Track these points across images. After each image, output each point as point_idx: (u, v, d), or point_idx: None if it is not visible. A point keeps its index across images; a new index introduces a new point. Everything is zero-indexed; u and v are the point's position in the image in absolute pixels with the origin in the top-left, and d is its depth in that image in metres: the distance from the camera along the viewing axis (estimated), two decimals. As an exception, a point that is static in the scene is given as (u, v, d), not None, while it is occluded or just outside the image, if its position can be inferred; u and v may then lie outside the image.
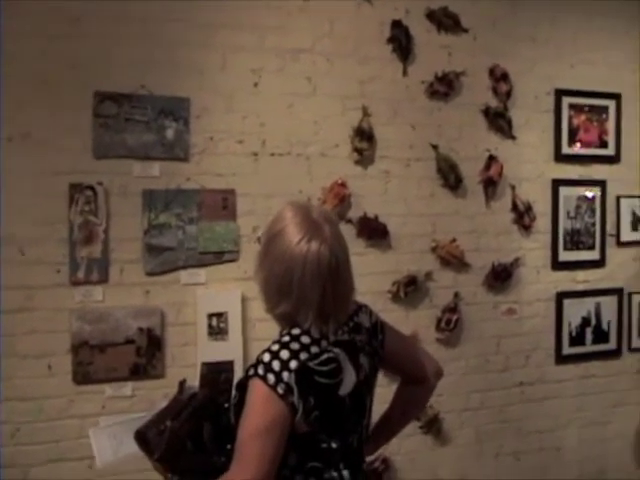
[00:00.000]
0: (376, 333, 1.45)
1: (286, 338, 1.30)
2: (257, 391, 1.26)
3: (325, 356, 1.31)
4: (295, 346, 1.29)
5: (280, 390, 1.25)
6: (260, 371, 1.26)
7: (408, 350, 1.56)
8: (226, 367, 2.22)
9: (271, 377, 1.25)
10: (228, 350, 2.21)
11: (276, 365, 1.26)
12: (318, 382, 1.29)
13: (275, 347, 1.29)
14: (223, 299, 2.25)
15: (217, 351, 2.20)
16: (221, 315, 2.24)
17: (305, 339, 1.30)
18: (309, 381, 1.28)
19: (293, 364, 1.27)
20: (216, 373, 2.22)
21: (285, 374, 1.26)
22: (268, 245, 1.33)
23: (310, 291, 1.28)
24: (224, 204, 2.27)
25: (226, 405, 1.40)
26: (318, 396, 1.29)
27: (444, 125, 2.58)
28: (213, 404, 1.46)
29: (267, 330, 1.51)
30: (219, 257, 2.26)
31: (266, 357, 1.28)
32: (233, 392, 1.37)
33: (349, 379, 1.35)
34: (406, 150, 2.52)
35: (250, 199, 2.31)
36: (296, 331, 1.31)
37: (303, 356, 1.28)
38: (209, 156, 2.26)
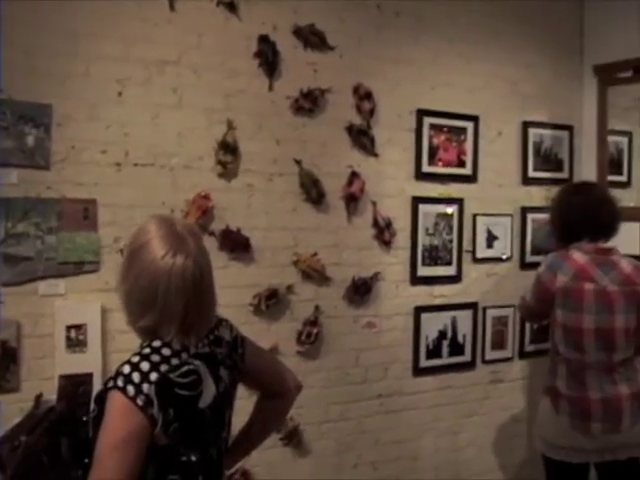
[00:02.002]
0: (236, 347, 1.77)
1: (147, 350, 1.56)
2: (116, 403, 1.48)
3: (185, 368, 1.57)
4: (155, 358, 1.54)
5: (140, 402, 1.48)
6: (120, 383, 1.49)
7: (268, 364, 1.94)
8: (85, 380, 2.73)
9: (131, 389, 1.48)
10: (87, 362, 2.74)
11: (136, 377, 1.50)
12: (178, 394, 1.54)
13: (135, 359, 1.54)
14: (82, 311, 2.75)
15: (76, 363, 2.71)
16: (80, 327, 2.75)
17: (166, 351, 1.57)
18: (169, 393, 1.52)
19: (153, 376, 1.51)
20: (74, 386, 2.70)
21: (145, 386, 1.49)
22: (131, 258, 1.59)
23: (174, 304, 1.54)
24: (85, 214, 2.79)
25: (84, 418, 1.64)
26: (178, 408, 1.53)
27: (308, 141, 3.27)
28: (71, 418, 1.71)
29: (127, 342, 1.89)
30: (79, 268, 2.77)
31: (126, 369, 1.52)
32: (92, 405, 1.60)
33: (209, 391, 1.62)
34: (270, 164, 3.18)
35: (112, 209, 2.84)
36: (157, 343, 1.57)
37: (163, 368, 1.53)
38: (71, 165, 2.77)
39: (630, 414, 2.88)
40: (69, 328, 2.73)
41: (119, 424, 1.47)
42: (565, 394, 2.95)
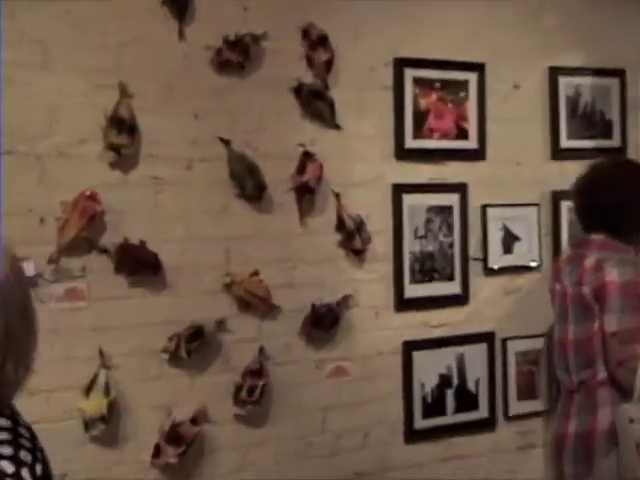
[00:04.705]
0: None
1: (5, 435, 1.59)
2: None
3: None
4: (24, 442, 1.61)
5: None
6: None
7: None
8: None
9: None
10: None
11: (26, 476, 1.54)
12: None
13: (7, 450, 1.56)
14: None
15: None
16: None
17: (24, 431, 1.65)
18: None
19: (39, 469, 1.58)
20: None
21: None
22: None
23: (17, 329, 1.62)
24: None
25: None
26: None
27: (239, 110, 3.36)
28: None
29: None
30: None
31: (9, 468, 1.52)
32: None
33: None
34: (185, 147, 3.27)
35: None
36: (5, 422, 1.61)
37: (33, 456, 1.61)
38: None
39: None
40: None
41: None
42: None
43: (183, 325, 3.26)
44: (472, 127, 3.91)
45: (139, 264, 3.19)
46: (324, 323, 3.53)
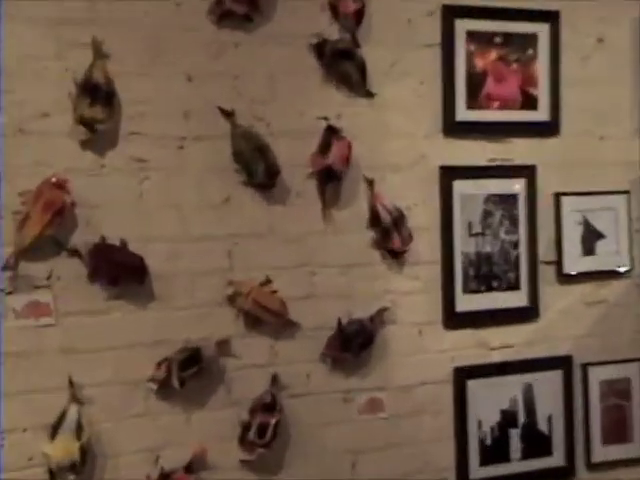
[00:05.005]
0: None
1: None
2: None
3: None
4: None
5: None
6: None
7: None
8: None
9: None
10: None
11: None
12: None
13: None
14: None
15: None
16: None
17: None
18: None
19: None
20: None
21: None
22: None
23: None
24: None
25: None
26: None
27: (245, 74, 3.27)
28: None
29: None
30: None
31: None
32: None
33: None
34: (177, 120, 3.19)
35: None
36: None
37: None
38: None
39: None
40: None
41: None
42: None
43: (175, 347, 3.19)
44: (542, 93, 3.80)
45: (119, 270, 3.12)
46: (353, 344, 3.44)
